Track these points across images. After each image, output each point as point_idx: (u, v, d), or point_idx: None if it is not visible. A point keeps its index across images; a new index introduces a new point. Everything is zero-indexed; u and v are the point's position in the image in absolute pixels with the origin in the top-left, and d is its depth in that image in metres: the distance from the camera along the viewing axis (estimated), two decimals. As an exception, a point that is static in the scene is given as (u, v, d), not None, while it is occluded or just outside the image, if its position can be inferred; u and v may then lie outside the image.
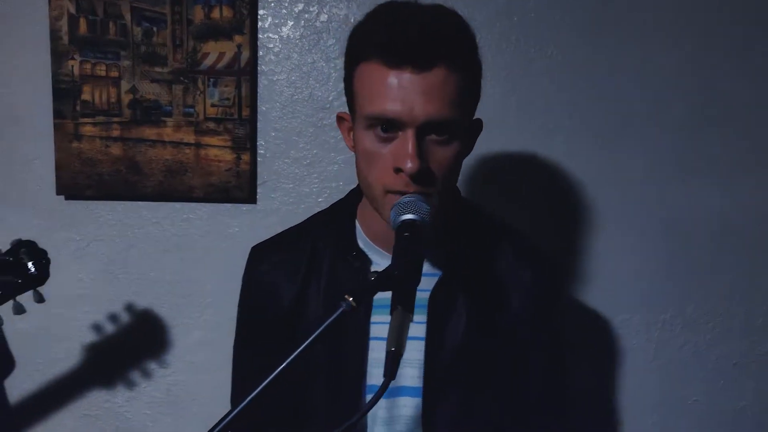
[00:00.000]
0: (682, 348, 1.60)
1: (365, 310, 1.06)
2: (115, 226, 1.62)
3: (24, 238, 1.39)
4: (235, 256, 1.59)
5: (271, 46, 1.56)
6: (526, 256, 1.10)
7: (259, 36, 1.55)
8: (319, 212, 1.23)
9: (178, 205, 1.60)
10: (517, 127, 1.54)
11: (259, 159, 1.58)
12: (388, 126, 0.94)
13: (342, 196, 1.23)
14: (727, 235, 1.57)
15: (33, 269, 1.23)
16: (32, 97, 1.58)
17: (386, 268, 0.82)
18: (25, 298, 1.25)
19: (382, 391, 0.72)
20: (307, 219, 1.23)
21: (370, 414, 1.06)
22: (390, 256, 0.90)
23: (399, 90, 0.92)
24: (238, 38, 1.53)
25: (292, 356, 0.77)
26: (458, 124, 0.95)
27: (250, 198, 1.58)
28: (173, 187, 1.57)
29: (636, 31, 1.52)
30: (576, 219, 1.57)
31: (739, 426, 1.63)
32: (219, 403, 1.61)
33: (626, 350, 1.60)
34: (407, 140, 0.93)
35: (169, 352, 1.64)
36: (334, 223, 1.15)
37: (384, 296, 0.86)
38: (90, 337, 1.62)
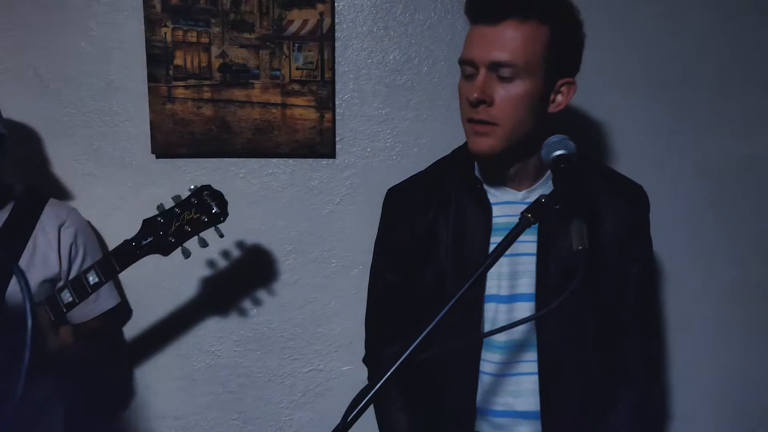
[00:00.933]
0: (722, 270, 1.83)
1: (486, 231, 1.26)
2: (203, 181, 1.75)
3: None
4: (317, 206, 1.78)
5: (348, 14, 1.71)
6: (617, 185, 1.31)
7: (338, 5, 1.70)
8: (441, 158, 1.42)
9: (263, 160, 1.76)
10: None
11: (337, 117, 1.74)
12: (470, 67, 1.18)
13: (412, 151, 1.48)
14: (750, 176, 1.80)
15: (216, 209, 1.41)
16: (127, 62, 1.71)
17: (553, 192, 1.01)
18: (208, 234, 1.44)
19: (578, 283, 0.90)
20: (432, 164, 1.42)
21: (490, 319, 1.26)
22: (502, 187, 1.24)
23: (477, 39, 1.18)
24: (320, 6, 1.68)
25: (479, 271, 0.95)
26: (521, 67, 1.16)
27: (331, 153, 1.75)
28: (261, 144, 1.73)
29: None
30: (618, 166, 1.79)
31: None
32: (301, 339, 1.82)
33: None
34: (479, 79, 1.17)
35: (255, 295, 1.81)
36: (458, 164, 1.34)
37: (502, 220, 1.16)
38: (179, 284, 1.78)
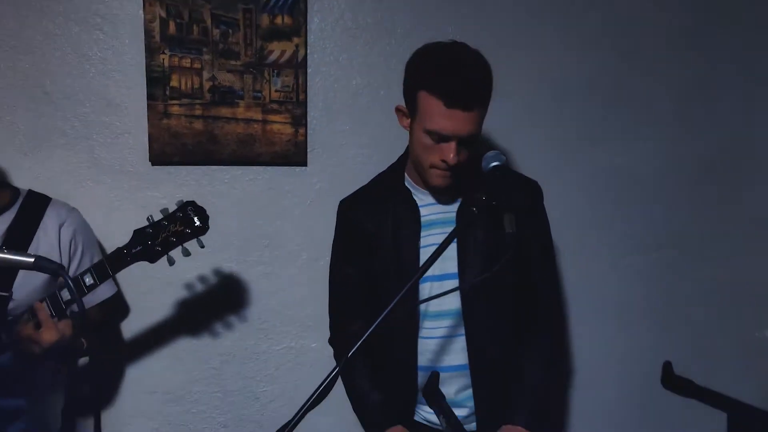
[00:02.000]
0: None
1: (417, 227, 1.63)
2: (192, 186, 2.05)
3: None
4: (290, 207, 2.10)
5: (318, 46, 2.05)
6: (521, 182, 1.70)
7: (310, 38, 2.03)
8: (379, 174, 1.78)
9: (245, 168, 2.06)
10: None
11: (309, 132, 2.07)
12: (440, 138, 1.49)
13: (371, 160, 1.90)
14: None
15: (198, 222, 1.63)
16: (127, 83, 1.97)
17: (486, 193, 1.39)
18: (190, 245, 1.65)
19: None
20: (373, 179, 1.77)
21: (426, 294, 1.61)
22: (425, 191, 1.62)
23: (451, 120, 1.46)
24: (295, 39, 2.01)
25: (429, 262, 1.30)
26: (478, 135, 1.54)
27: (304, 162, 2.07)
28: (244, 154, 2.03)
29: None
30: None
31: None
32: (274, 321, 2.10)
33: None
34: (451, 146, 1.50)
35: (235, 283, 2.10)
36: (392, 178, 1.71)
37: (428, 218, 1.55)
38: (170, 276, 2.04)
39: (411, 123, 1.56)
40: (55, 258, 1.75)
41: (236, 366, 2.13)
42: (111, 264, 1.63)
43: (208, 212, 1.64)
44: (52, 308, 1.60)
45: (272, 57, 2.01)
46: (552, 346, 1.77)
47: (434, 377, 1.38)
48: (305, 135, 2.05)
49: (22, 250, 1.66)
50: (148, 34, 1.94)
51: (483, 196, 1.37)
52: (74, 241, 1.80)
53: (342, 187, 1.92)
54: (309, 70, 2.04)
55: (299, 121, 2.04)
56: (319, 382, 1.34)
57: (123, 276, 2.01)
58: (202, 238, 1.64)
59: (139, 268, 1.88)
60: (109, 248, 1.94)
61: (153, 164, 2.01)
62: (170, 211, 1.63)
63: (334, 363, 2.06)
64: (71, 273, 1.77)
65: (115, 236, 1.71)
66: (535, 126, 2.15)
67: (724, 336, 2.32)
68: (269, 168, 2.07)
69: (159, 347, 2.09)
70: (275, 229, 2.10)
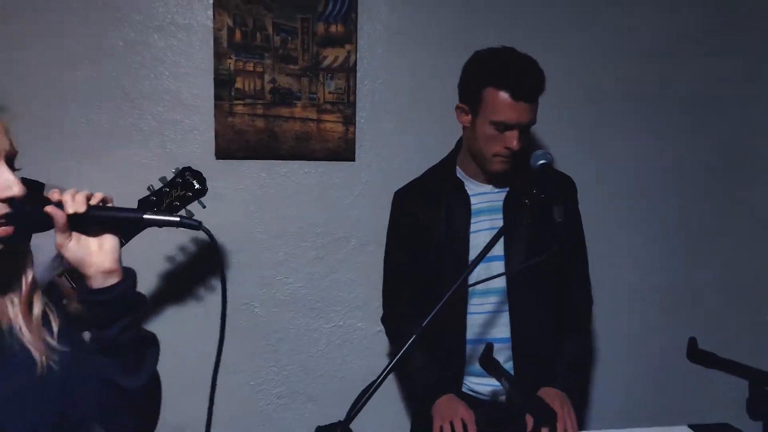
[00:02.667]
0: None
1: (468, 215, 1.83)
2: (253, 178, 2.26)
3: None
4: (340, 198, 2.31)
5: (367, 52, 2.27)
6: (560, 178, 1.91)
7: (360, 45, 2.25)
8: (432, 167, 1.98)
9: (301, 162, 2.27)
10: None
11: (358, 130, 2.28)
12: (505, 127, 1.73)
13: (414, 156, 2.16)
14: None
15: (197, 185, 1.81)
16: (196, 84, 2.19)
17: (538, 188, 1.60)
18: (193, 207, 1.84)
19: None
20: (426, 171, 1.98)
21: (474, 275, 1.79)
22: (476, 182, 1.82)
23: (516, 111, 1.70)
24: (348, 46, 2.23)
25: (481, 255, 1.51)
26: (534, 124, 1.77)
27: (352, 158, 2.29)
28: (300, 150, 2.25)
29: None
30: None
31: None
32: (325, 301, 2.31)
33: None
34: (515, 134, 1.72)
35: (291, 267, 2.31)
36: (445, 170, 1.92)
37: (477, 206, 1.76)
38: (233, 258, 2.27)
39: (473, 118, 1.77)
40: None
41: (290, 343, 2.34)
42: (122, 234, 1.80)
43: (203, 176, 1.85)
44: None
45: (326, 62, 2.23)
46: (586, 324, 1.98)
47: (489, 347, 1.57)
48: (354, 133, 2.27)
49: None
50: (216, 41, 2.16)
51: (535, 190, 1.58)
52: None
53: (386, 181, 2.15)
54: (358, 74, 2.26)
55: (349, 120, 2.26)
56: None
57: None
58: (202, 200, 1.83)
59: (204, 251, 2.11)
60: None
61: (217, 158, 2.23)
62: (168, 178, 1.79)
63: (378, 340, 2.32)
64: None
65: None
66: (559, 122, 2.35)
67: (735, 319, 2.54)
68: (322, 163, 2.29)
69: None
70: (326, 217, 2.32)
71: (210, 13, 2.16)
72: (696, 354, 1.52)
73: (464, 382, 1.91)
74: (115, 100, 2.16)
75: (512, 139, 1.72)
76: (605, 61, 2.40)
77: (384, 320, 2.06)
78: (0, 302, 1.07)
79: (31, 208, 1.03)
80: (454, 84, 1.86)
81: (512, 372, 1.86)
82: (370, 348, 2.38)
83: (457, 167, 1.91)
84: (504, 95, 1.69)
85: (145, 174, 2.19)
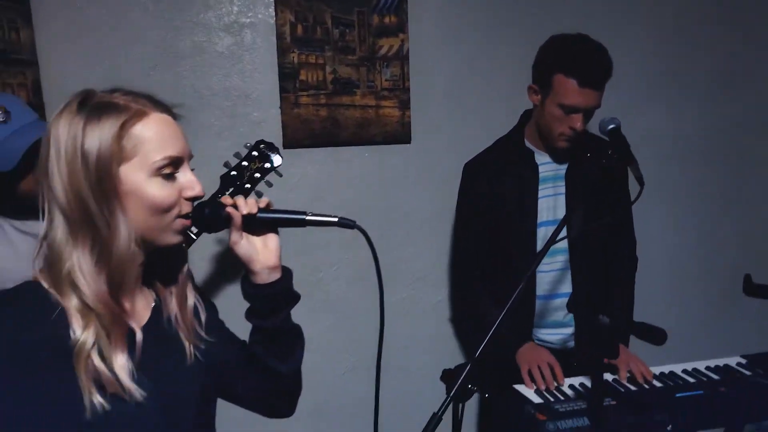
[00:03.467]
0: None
1: (536, 181, 2.01)
2: (319, 164, 2.42)
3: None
4: (399, 178, 2.47)
5: (420, 41, 2.42)
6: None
7: (412, 34, 2.40)
8: (499, 139, 2.15)
9: (362, 147, 2.43)
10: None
11: (413, 115, 2.44)
12: (571, 110, 1.89)
13: (464, 137, 2.32)
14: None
15: (273, 155, 1.90)
16: (262, 80, 2.33)
17: (612, 149, 1.77)
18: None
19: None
20: (495, 143, 2.14)
21: (542, 236, 2.00)
22: (542, 153, 2.00)
23: (582, 97, 1.86)
24: (401, 36, 2.37)
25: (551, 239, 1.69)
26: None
27: (408, 140, 2.45)
28: (361, 135, 2.40)
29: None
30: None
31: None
32: (390, 274, 2.48)
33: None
34: (579, 117, 1.89)
35: (355, 243, 2.47)
36: (513, 141, 2.09)
37: (544, 174, 1.94)
38: (303, 243, 2.42)
39: (542, 98, 1.94)
40: None
41: (361, 317, 2.51)
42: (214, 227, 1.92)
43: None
44: None
45: (382, 51, 2.37)
46: (633, 279, 2.18)
47: (571, 297, 1.75)
48: (410, 117, 2.43)
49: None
50: (279, 37, 2.29)
51: (609, 150, 1.75)
52: None
53: (439, 161, 2.34)
54: (412, 62, 2.41)
55: (405, 105, 2.41)
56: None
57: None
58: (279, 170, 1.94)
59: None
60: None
61: (285, 147, 2.37)
62: (244, 153, 1.91)
63: (440, 308, 2.50)
64: None
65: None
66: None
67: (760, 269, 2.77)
68: (380, 146, 2.45)
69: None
70: (387, 197, 2.48)
71: (272, 10, 2.29)
72: (752, 288, 1.71)
73: (535, 334, 2.11)
74: (188, 98, 2.29)
75: (577, 121, 1.89)
76: (645, 34, 2.58)
77: (455, 284, 2.23)
78: (163, 293, 1.20)
79: (209, 209, 1.16)
80: (502, 68, 2.04)
81: (574, 324, 2.07)
82: (431, 317, 2.56)
83: (525, 139, 2.08)
84: (572, 82, 1.85)
85: (220, 167, 2.35)
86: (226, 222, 1.17)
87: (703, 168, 2.72)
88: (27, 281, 1.07)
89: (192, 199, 1.13)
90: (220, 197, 1.29)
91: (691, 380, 1.81)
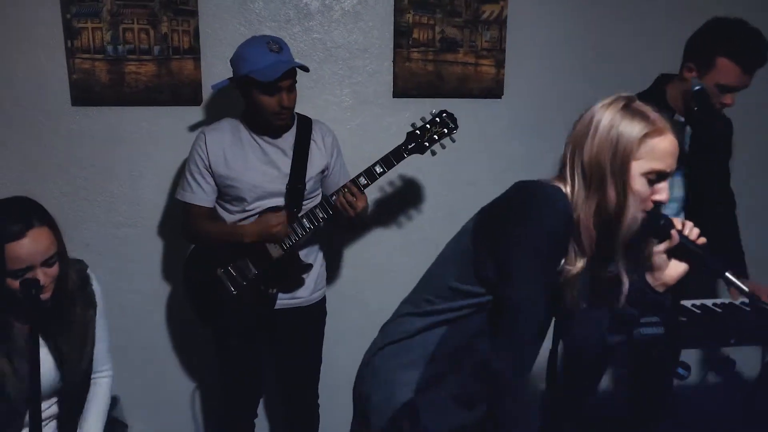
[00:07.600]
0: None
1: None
2: (423, 113, 2.75)
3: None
4: (491, 130, 2.81)
5: (517, 7, 2.74)
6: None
7: (511, 1, 2.72)
8: (640, 92, 2.31)
9: (462, 100, 2.76)
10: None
11: (506, 73, 2.77)
12: (728, 89, 2.08)
13: (550, 95, 2.71)
14: None
15: (451, 123, 2.31)
16: (380, 36, 2.67)
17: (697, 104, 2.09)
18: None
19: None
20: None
21: None
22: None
23: (742, 80, 2.06)
24: (501, 2, 2.70)
25: None
26: None
27: (500, 95, 2.79)
28: (461, 89, 2.74)
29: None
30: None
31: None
32: None
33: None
34: (733, 95, 2.08)
35: (457, 189, 2.83)
36: (656, 100, 2.17)
37: None
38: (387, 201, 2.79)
39: (698, 75, 2.10)
40: (325, 156, 2.40)
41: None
42: (394, 157, 2.31)
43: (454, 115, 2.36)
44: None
45: (484, 15, 2.70)
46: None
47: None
48: (504, 74, 2.76)
49: (305, 153, 2.34)
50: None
51: (695, 106, 2.07)
52: (334, 145, 2.45)
53: (527, 115, 2.67)
54: (509, 26, 2.74)
55: (500, 64, 2.75)
56: None
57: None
58: (453, 135, 2.34)
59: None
60: (360, 153, 2.53)
61: (394, 96, 2.72)
62: (428, 118, 2.31)
63: None
64: (331, 166, 2.42)
65: (372, 148, 2.43)
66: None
67: None
68: (477, 100, 2.79)
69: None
70: (480, 145, 2.83)
71: (393, -26, 2.62)
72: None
73: None
74: (316, 51, 2.64)
75: (728, 99, 2.10)
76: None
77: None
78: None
79: (664, 221, 1.42)
80: (585, 35, 2.39)
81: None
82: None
83: (668, 101, 2.24)
84: (737, 68, 2.03)
85: (337, 111, 2.71)
86: (665, 235, 1.43)
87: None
88: None
89: (656, 203, 1.42)
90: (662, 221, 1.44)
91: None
